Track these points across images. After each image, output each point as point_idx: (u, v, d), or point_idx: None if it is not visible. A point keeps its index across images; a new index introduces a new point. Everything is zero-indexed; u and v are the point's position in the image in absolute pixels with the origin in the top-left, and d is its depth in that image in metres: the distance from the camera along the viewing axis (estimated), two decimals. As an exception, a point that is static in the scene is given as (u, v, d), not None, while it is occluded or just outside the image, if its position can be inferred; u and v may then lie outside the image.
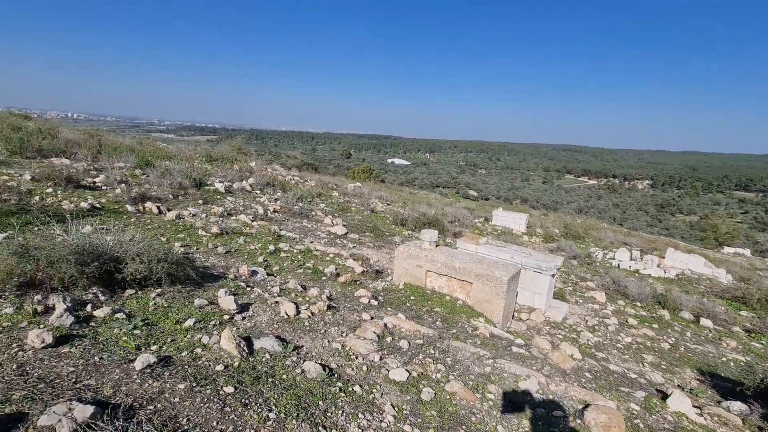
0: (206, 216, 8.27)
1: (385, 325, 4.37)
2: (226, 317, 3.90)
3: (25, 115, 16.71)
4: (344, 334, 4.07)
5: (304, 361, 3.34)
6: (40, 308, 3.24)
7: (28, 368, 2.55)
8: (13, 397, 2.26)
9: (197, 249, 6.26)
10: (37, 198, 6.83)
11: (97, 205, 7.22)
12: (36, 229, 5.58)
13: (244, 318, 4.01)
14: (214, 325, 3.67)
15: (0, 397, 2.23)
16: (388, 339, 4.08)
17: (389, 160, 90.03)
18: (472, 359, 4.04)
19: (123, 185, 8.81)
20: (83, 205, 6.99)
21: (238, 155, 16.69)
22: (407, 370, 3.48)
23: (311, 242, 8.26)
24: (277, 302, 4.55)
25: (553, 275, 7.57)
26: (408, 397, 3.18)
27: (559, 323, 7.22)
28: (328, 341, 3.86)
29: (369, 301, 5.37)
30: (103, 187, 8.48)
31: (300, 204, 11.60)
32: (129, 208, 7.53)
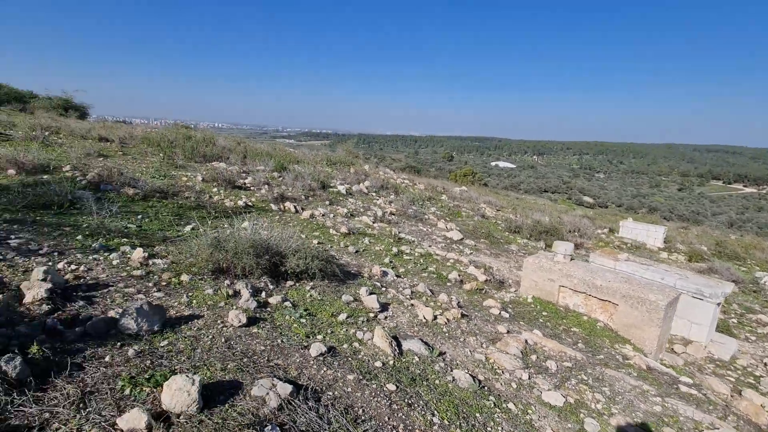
0: (333, 216, 8.97)
1: (526, 341, 4.14)
2: (371, 315, 4.14)
3: (187, 126, 20.46)
4: (484, 346, 3.97)
5: (452, 369, 3.35)
6: (230, 292, 3.87)
7: (232, 343, 3.05)
8: (229, 366, 2.71)
9: (331, 247, 6.81)
10: (207, 196, 8.22)
11: (249, 203, 8.38)
12: (210, 222, 6.71)
13: (386, 317, 4.20)
14: (363, 322, 3.92)
15: (220, 365, 2.70)
16: (533, 357, 3.85)
17: (492, 163, 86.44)
18: (634, 393, 3.57)
19: (266, 186, 10.09)
20: (240, 203, 8.18)
21: (353, 159, 17.78)
22: (562, 395, 3.23)
23: (429, 246, 8.33)
24: (412, 305, 4.67)
25: (718, 303, 6.33)
26: (569, 425, 2.94)
27: (726, 362, 5.98)
28: (470, 351, 3.81)
29: (500, 313, 5.17)
30: (252, 188, 9.82)
31: (413, 207, 11.82)
32: (273, 206, 8.58)
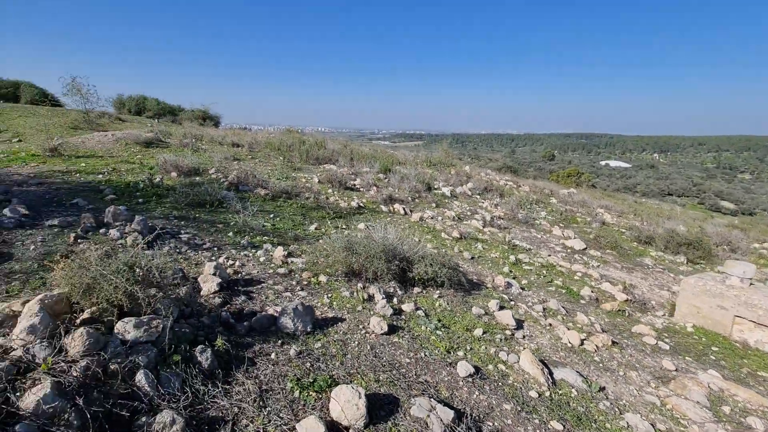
0: (442, 219, 8.75)
1: (709, 385, 3.37)
2: (507, 333, 3.80)
3: (296, 131, 22.25)
4: (652, 385, 3.34)
5: (621, 411, 2.84)
6: (365, 295, 3.89)
7: (378, 351, 3.00)
8: (381, 378, 2.66)
9: (445, 252, 6.59)
10: (324, 197, 8.67)
11: (361, 204, 8.61)
12: (329, 222, 7.02)
13: (524, 337, 3.82)
14: (501, 340, 3.60)
15: (373, 376, 2.65)
16: (725, 408, 3.10)
17: (602, 162, 77.00)
18: None
19: (374, 188, 10.31)
20: (353, 204, 8.46)
21: (453, 160, 17.36)
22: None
23: (549, 256, 7.58)
24: (550, 325, 4.19)
25: None
26: None
27: None
28: (636, 389, 3.23)
29: (656, 343, 4.37)
30: (361, 189, 10.13)
31: (521, 211, 11.00)
32: (383, 208, 8.70)
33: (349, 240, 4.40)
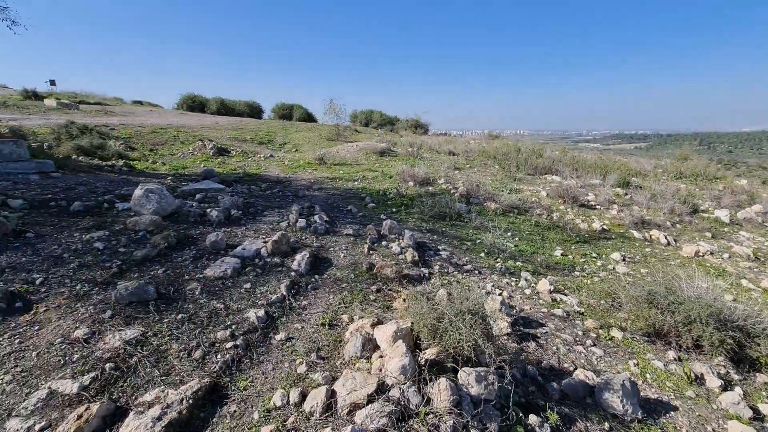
0: (730, 257, 6.44)
1: None
2: None
3: (497, 135, 21.39)
4: None
5: None
6: (690, 374, 2.91)
7: (763, 484, 2.07)
8: None
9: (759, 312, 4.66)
10: (558, 214, 7.69)
11: (605, 227, 7.22)
12: (573, 247, 6.06)
13: None
14: None
15: None
16: None
17: None
18: None
19: (614, 206, 8.61)
20: (594, 225, 7.17)
21: (718, 172, 13.13)
22: None
23: None
24: None
25: None
26: None
27: None
28: None
29: None
30: (598, 207, 8.60)
31: None
32: (634, 233, 7.06)
33: (650, 290, 3.46)
